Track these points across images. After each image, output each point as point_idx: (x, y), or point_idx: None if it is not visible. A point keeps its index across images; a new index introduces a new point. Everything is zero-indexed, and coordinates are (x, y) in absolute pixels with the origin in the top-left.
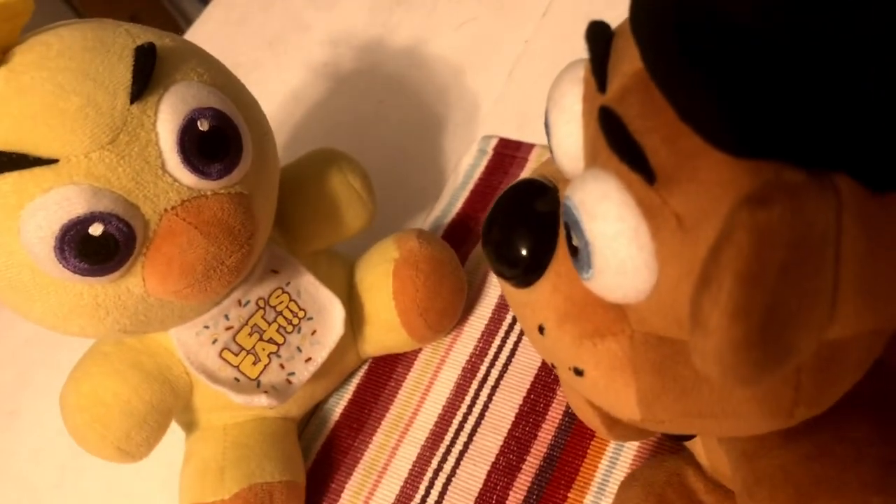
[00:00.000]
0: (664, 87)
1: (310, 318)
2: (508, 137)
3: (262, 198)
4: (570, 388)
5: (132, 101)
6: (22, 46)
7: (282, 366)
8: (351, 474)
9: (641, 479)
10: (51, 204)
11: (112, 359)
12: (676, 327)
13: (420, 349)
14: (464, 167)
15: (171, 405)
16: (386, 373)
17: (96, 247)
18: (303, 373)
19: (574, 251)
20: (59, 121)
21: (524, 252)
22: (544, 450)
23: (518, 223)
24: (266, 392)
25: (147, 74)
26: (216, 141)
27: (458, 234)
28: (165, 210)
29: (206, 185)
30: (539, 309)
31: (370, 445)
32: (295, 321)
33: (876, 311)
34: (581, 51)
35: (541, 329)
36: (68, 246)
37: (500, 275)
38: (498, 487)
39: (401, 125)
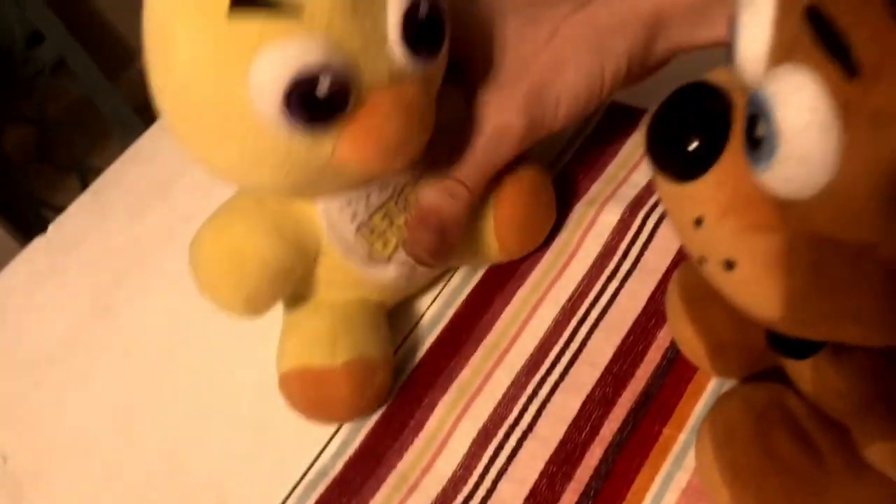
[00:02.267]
0: None
1: None
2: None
3: (435, 91)
4: (717, 283)
5: None
6: None
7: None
8: (445, 392)
9: (741, 394)
10: (290, 50)
11: (254, 216)
12: (841, 226)
13: (518, 287)
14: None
15: (298, 270)
16: (483, 305)
17: (318, 101)
18: None
19: (754, 144)
20: None
21: (694, 144)
22: (641, 386)
23: (689, 117)
24: (394, 265)
25: None
26: (428, 29)
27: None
28: (376, 83)
29: (410, 68)
30: (701, 202)
31: (465, 367)
32: None
33: None
34: None
35: (699, 221)
36: (296, 94)
37: (663, 167)
38: (593, 417)
39: None
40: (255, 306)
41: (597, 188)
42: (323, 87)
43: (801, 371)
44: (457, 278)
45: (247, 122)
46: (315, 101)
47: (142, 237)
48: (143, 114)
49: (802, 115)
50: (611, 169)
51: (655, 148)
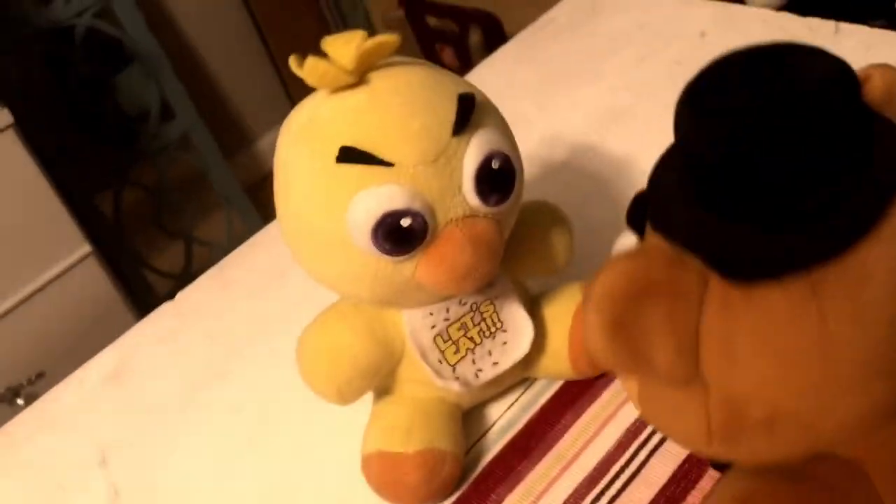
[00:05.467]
0: None
1: (504, 331)
2: None
3: (508, 225)
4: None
5: (453, 134)
6: (378, 73)
7: (473, 361)
8: (511, 491)
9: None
10: (380, 194)
11: (351, 320)
12: None
13: (589, 404)
14: None
15: (385, 367)
16: (556, 416)
17: (401, 235)
18: (488, 372)
19: None
20: (403, 137)
21: None
22: None
23: None
24: (458, 379)
25: (467, 116)
26: (500, 178)
27: None
28: (450, 220)
29: (482, 209)
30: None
31: (533, 470)
32: (493, 329)
33: (743, 380)
34: None
35: None
36: (382, 229)
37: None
38: None
39: (600, 218)
40: (346, 396)
41: None
42: (405, 225)
43: None
44: (535, 388)
45: (345, 247)
46: (398, 235)
47: (259, 315)
48: (251, 194)
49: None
50: None
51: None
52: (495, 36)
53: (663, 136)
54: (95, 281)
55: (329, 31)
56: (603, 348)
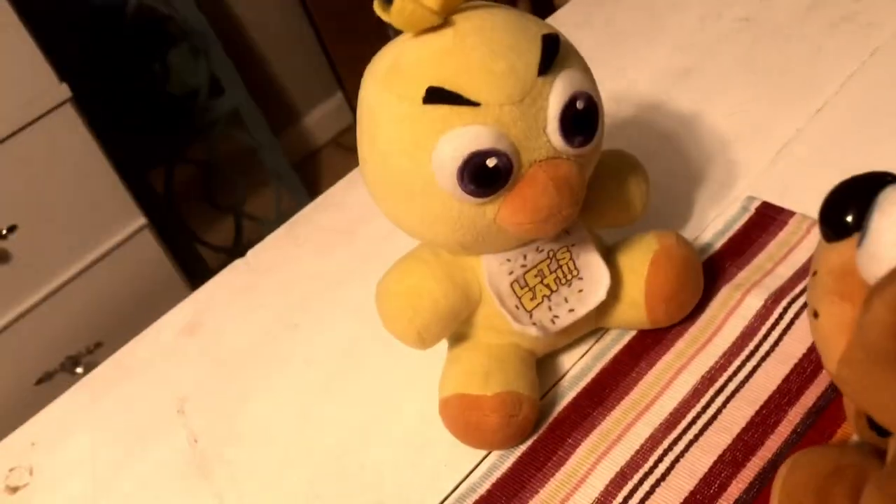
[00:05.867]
0: None
1: (580, 278)
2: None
3: (589, 170)
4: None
5: (539, 74)
6: (462, 15)
7: (549, 308)
8: (587, 435)
9: (809, 459)
10: (467, 134)
11: (431, 265)
12: None
13: (664, 353)
14: (725, 218)
15: (463, 312)
16: (630, 365)
17: (486, 176)
18: (564, 319)
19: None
20: (489, 77)
21: (842, 217)
22: (770, 455)
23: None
24: (535, 324)
25: (551, 57)
26: (585, 119)
27: (707, 270)
28: (534, 161)
29: (566, 150)
30: (821, 259)
31: (608, 416)
32: (569, 276)
33: None
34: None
35: (814, 273)
36: (468, 169)
37: (821, 224)
38: (722, 475)
39: (669, 173)
40: (425, 340)
41: (744, 275)
42: (490, 165)
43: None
44: (606, 339)
45: (429, 189)
46: (484, 176)
47: (327, 271)
48: (299, 170)
49: (887, 221)
50: (758, 260)
51: (823, 211)
52: (543, 5)
53: (728, 95)
54: (150, 253)
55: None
56: (889, 351)
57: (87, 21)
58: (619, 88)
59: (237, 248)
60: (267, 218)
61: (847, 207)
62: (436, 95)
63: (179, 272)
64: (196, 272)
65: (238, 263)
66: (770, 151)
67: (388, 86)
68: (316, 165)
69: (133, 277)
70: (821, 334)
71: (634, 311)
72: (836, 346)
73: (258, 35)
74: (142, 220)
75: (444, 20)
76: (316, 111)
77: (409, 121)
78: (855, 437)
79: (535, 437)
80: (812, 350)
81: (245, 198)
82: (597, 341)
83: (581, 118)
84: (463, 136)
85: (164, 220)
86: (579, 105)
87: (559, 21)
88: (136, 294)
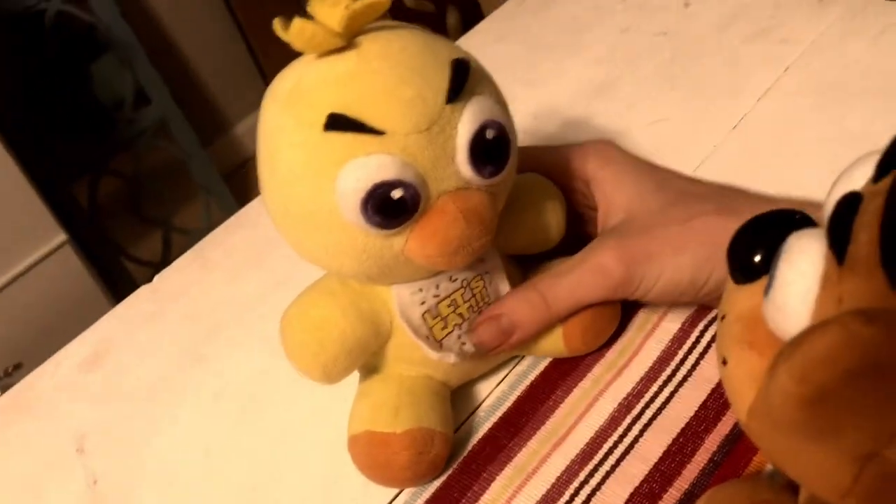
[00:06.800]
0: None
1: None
2: None
3: (502, 199)
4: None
5: (447, 102)
6: (367, 36)
7: (459, 336)
8: (502, 469)
9: (723, 499)
10: (370, 164)
11: (338, 296)
12: None
13: (580, 380)
14: None
15: (372, 345)
16: (545, 393)
17: (392, 207)
18: (473, 347)
19: (758, 274)
20: (394, 104)
21: (750, 259)
22: (686, 485)
23: (760, 236)
24: (447, 351)
25: (461, 83)
26: (495, 148)
27: None
28: (443, 192)
29: (475, 180)
30: (732, 301)
31: (524, 448)
32: (482, 304)
33: None
34: (766, 165)
35: (722, 317)
36: (373, 201)
37: (730, 269)
38: None
39: None
40: (332, 375)
41: None
42: (395, 197)
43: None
44: (523, 365)
45: (332, 220)
46: (389, 207)
47: (238, 297)
48: (229, 180)
49: (793, 276)
50: None
51: (731, 252)
52: (473, 16)
53: (648, 109)
54: (72, 270)
55: (305, 16)
56: (792, 421)
57: (3, 28)
58: (539, 102)
59: (165, 262)
60: (196, 230)
61: (754, 248)
62: (338, 123)
63: (104, 288)
64: (122, 288)
65: (143, 290)
66: (688, 168)
67: (289, 109)
68: (247, 177)
69: (54, 295)
70: (730, 383)
71: (552, 339)
72: (746, 396)
73: (186, 43)
74: (62, 236)
75: (347, 42)
76: (246, 121)
77: (311, 148)
78: (769, 467)
79: (449, 472)
80: None
81: (174, 210)
82: (513, 368)
83: (491, 148)
84: (366, 166)
85: (89, 234)
86: (489, 134)
87: (481, 34)
88: (57, 312)
